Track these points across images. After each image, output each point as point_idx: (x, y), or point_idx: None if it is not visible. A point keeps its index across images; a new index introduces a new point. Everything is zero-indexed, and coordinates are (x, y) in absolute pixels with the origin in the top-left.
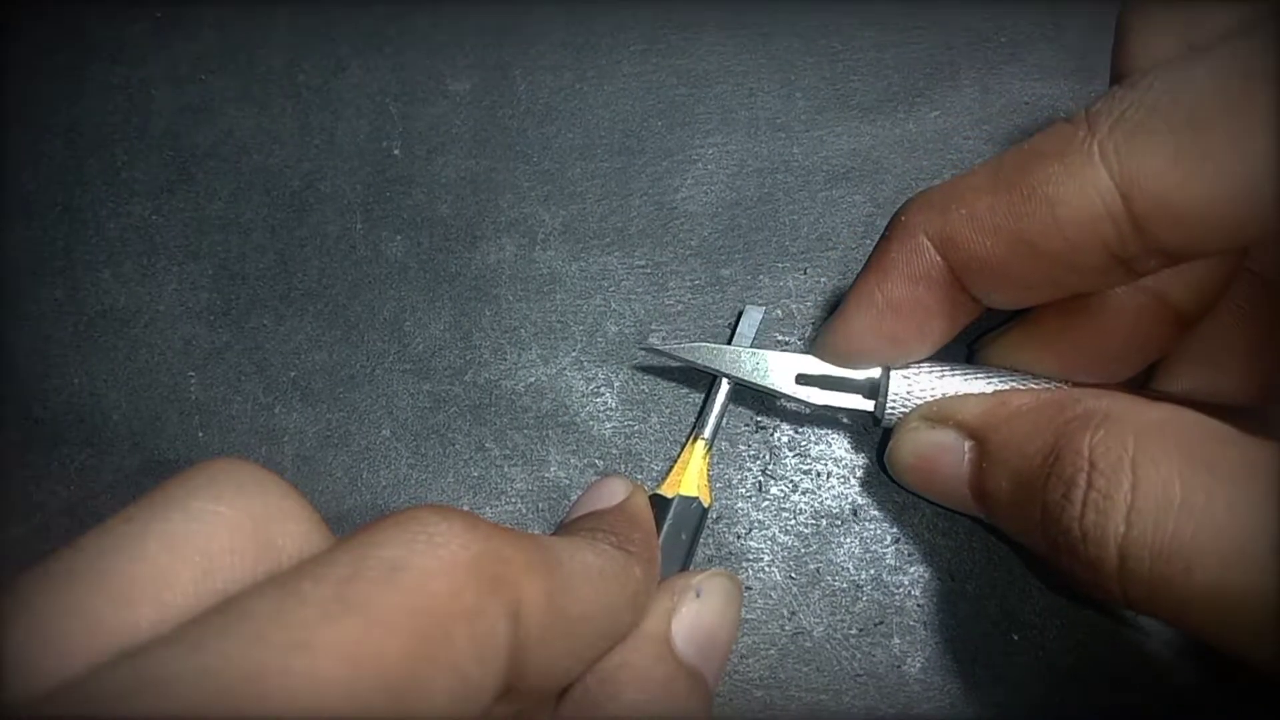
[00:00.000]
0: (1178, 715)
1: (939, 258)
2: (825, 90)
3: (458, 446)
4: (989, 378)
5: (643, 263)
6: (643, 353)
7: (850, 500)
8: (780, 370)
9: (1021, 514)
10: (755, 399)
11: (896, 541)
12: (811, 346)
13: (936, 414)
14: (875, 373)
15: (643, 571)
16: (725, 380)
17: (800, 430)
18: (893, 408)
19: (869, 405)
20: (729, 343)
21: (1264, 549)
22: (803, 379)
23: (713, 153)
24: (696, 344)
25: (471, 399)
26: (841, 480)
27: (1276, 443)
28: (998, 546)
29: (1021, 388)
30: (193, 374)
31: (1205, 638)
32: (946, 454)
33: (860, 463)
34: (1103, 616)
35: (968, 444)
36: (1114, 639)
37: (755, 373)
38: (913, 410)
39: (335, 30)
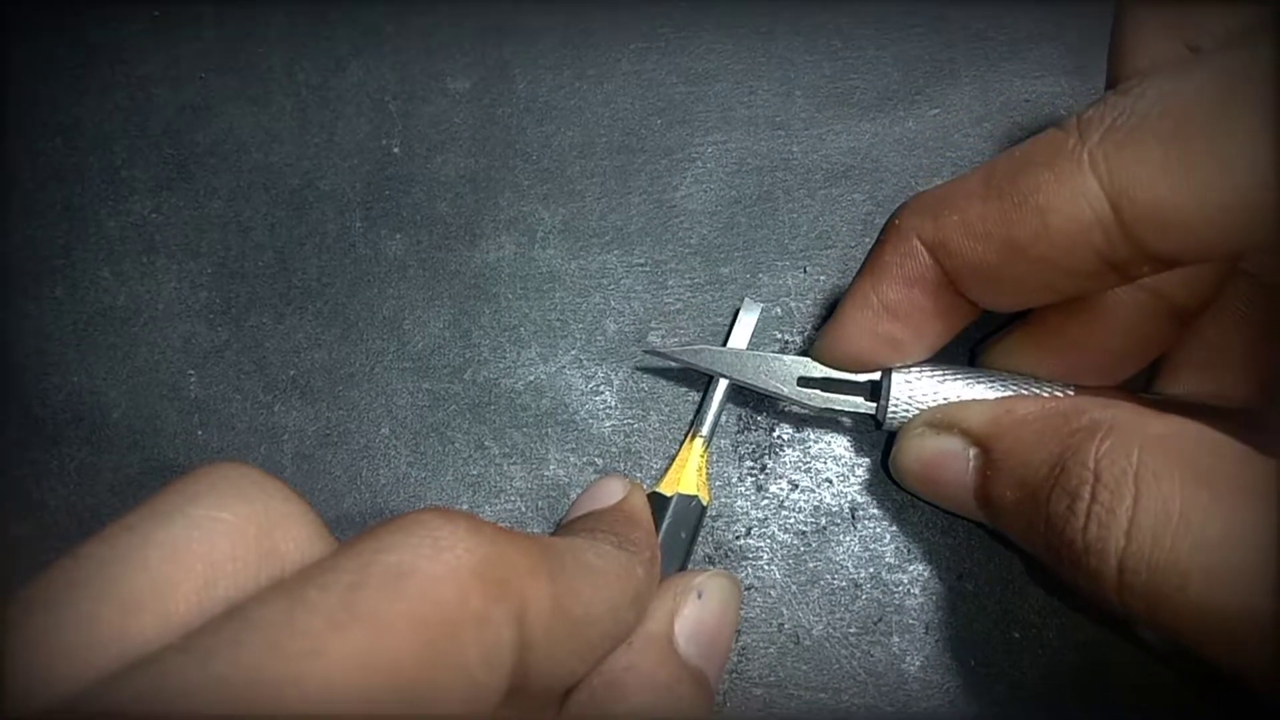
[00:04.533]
0: (1178, 715)
1: (932, 261)
2: (825, 88)
3: (457, 445)
4: (991, 382)
5: (642, 261)
6: (644, 354)
7: (849, 499)
8: (782, 373)
9: (1026, 522)
10: (754, 395)
11: (896, 540)
12: (810, 349)
13: (941, 420)
14: (877, 375)
15: (644, 571)
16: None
17: (799, 428)
18: (894, 411)
19: (871, 408)
20: (726, 337)
21: (1254, 568)
22: (804, 381)
23: (712, 151)
24: (698, 346)
25: (471, 397)
26: (841, 478)
27: (1277, 460)
28: (998, 545)
29: (1025, 393)
30: (192, 372)
31: (1200, 652)
32: (951, 461)
33: (859, 461)
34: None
35: (972, 451)
36: (1115, 638)
37: (757, 376)
38: (916, 416)
39: (334, 29)
